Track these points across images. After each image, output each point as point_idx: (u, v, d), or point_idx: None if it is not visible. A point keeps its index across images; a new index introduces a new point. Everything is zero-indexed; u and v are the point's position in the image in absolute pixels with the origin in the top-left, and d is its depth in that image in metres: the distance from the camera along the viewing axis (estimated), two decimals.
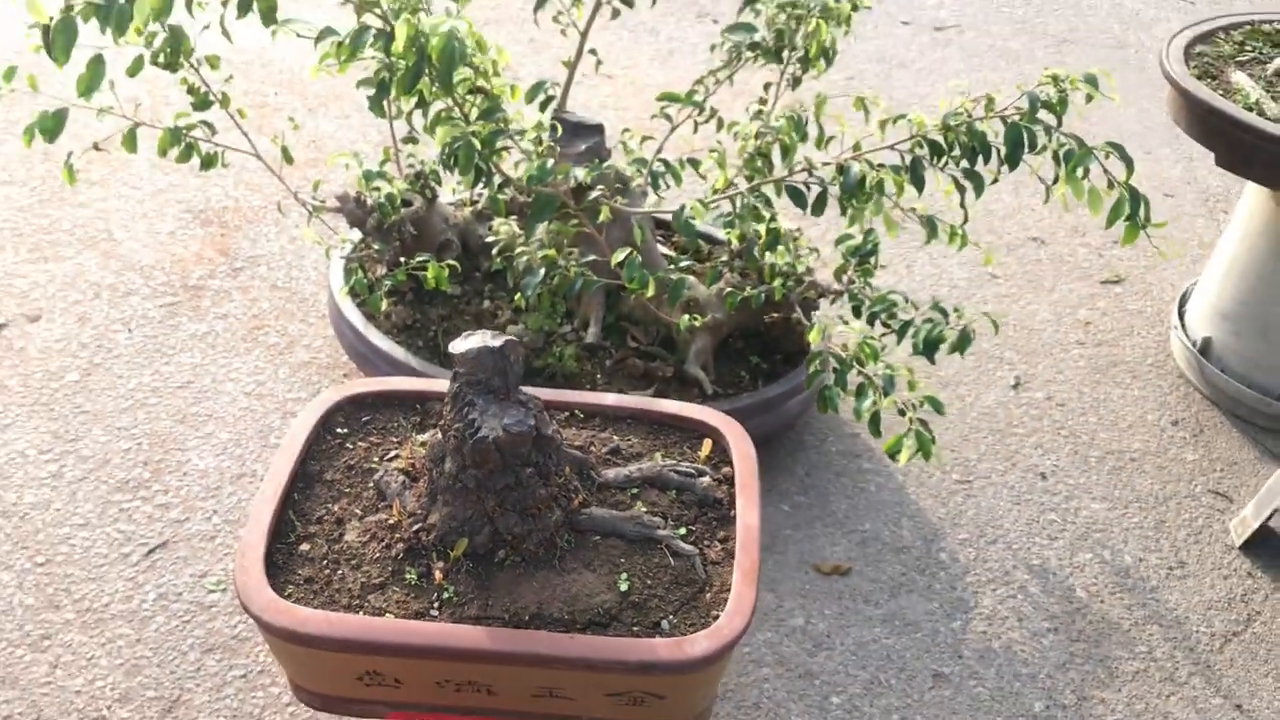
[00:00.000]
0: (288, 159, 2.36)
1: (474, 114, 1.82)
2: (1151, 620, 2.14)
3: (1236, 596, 2.21)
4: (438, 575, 1.37)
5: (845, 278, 2.26)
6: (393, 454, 1.53)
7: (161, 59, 2.11)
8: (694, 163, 2.23)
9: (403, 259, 2.19)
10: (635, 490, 1.50)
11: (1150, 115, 3.77)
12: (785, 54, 2.32)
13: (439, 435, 1.39)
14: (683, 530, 1.47)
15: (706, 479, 1.52)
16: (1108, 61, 4.12)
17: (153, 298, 2.64)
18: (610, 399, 1.64)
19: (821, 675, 1.99)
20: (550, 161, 1.83)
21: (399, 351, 2.23)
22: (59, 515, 2.12)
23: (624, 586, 1.39)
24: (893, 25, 4.27)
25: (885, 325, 2.19)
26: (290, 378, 2.46)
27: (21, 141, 2.02)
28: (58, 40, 1.57)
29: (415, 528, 1.40)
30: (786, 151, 1.96)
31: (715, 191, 2.27)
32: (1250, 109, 2.24)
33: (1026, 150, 1.70)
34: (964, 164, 1.74)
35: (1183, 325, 2.74)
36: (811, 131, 1.99)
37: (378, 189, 2.15)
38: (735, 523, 1.48)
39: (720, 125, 2.36)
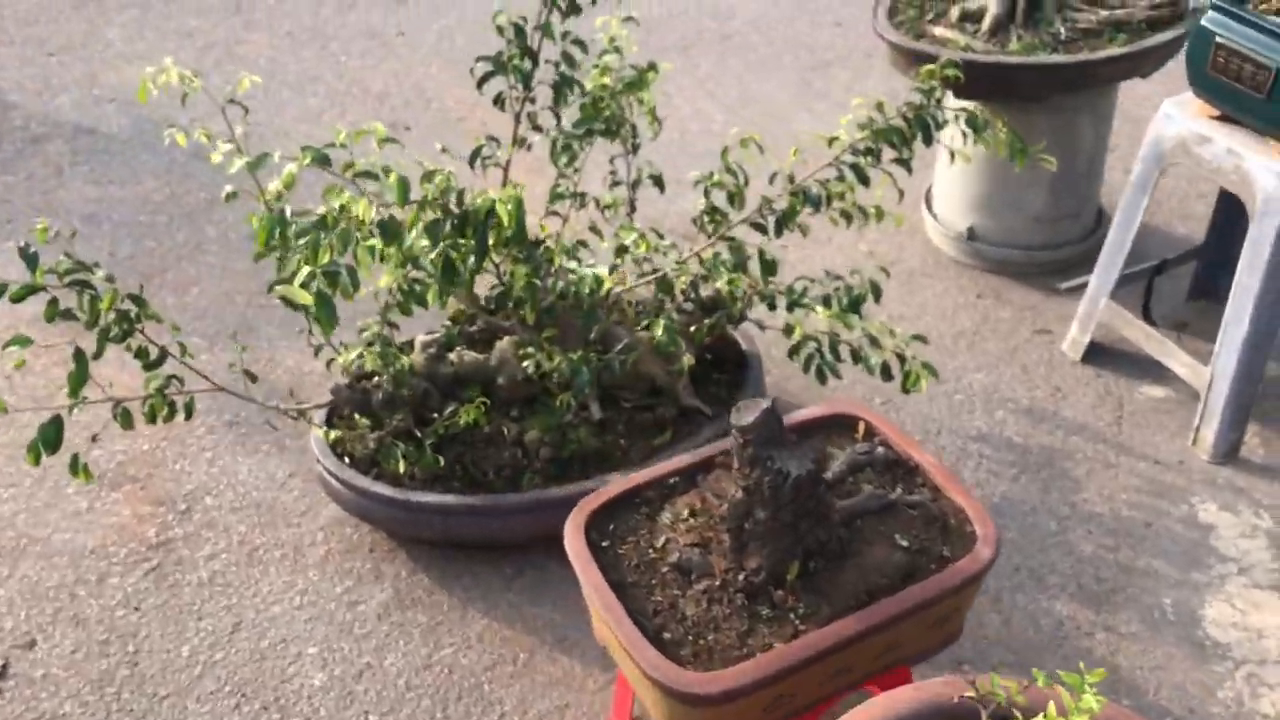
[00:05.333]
0: (252, 379, 2.45)
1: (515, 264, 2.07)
2: (1072, 433, 2.80)
3: (1104, 391, 2.93)
4: (789, 600, 1.68)
5: (748, 291, 2.70)
6: (663, 539, 1.80)
7: (115, 333, 2.18)
8: (636, 231, 2.56)
9: (435, 415, 2.37)
10: (850, 479, 1.87)
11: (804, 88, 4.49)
12: (622, 130, 2.72)
13: (738, 494, 1.69)
14: (898, 489, 1.87)
15: (880, 449, 1.93)
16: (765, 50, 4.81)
17: (129, 571, 2.57)
18: None
19: None
20: (599, 276, 2.12)
21: (449, 499, 2.40)
22: None
23: (905, 543, 1.77)
24: None
25: (803, 306, 2.67)
26: (322, 574, 2.53)
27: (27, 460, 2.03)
28: (321, 313, 1.67)
29: (741, 577, 1.70)
30: (733, 198, 2.38)
31: (621, 253, 2.62)
32: (965, 50, 2.93)
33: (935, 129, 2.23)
34: (894, 155, 2.26)
35: (941, 226, 3.45)
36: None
37: (389, 365, 2.31)
38: (918, 467, 1.91)
39: (598, 204, 2.73)
